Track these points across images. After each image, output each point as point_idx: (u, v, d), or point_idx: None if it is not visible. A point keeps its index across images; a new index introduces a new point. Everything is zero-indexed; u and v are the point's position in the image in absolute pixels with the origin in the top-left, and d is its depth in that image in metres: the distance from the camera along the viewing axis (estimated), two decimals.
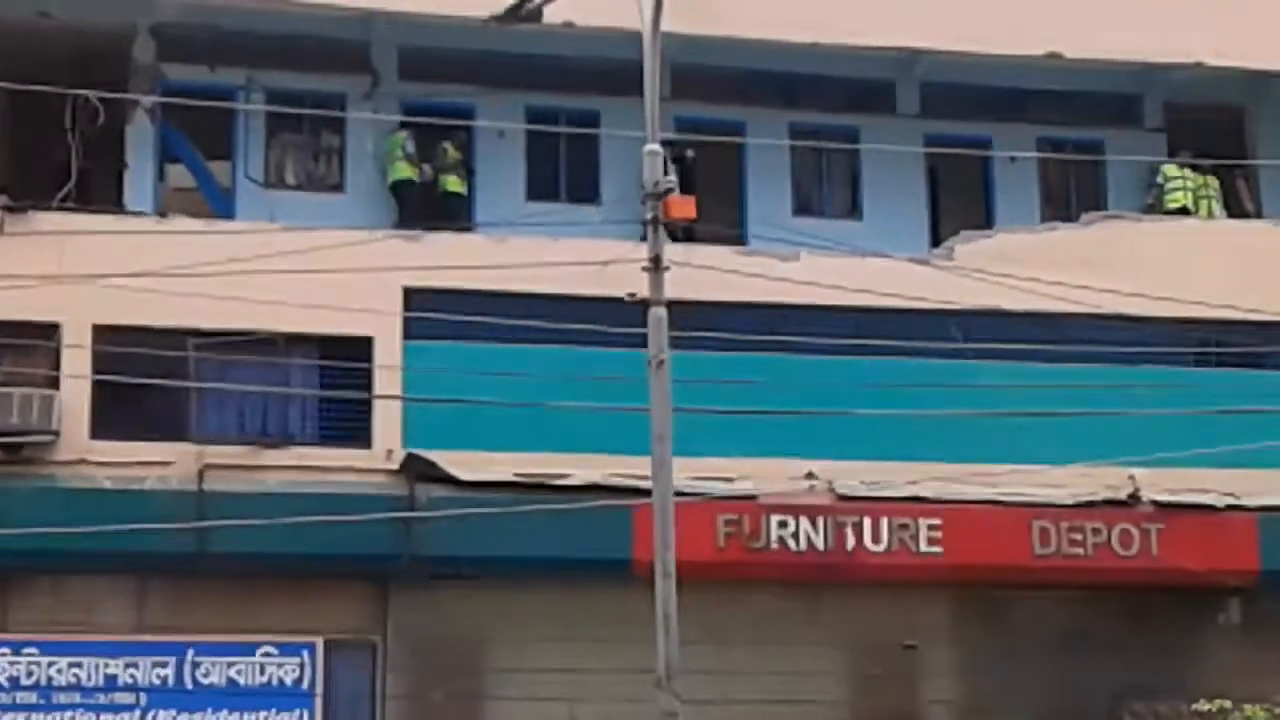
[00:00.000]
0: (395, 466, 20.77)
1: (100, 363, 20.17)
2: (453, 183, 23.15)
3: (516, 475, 20.58)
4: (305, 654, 20.51)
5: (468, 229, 22.56)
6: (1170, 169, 24.64)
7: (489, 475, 20.49)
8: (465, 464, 20.59)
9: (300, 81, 22.95)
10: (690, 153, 23.05)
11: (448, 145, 23.09)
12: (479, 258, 21.04)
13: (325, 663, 20.55)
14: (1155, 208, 24.62)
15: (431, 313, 20.73)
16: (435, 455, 20.64)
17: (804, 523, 21.31)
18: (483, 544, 20.09)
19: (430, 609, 20.80)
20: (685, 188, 22.66)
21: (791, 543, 21.26)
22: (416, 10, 22.33)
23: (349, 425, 21.16)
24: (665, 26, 16.56)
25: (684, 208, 22.89)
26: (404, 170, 22.97)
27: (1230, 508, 22.24)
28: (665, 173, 22.92)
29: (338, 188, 23.27)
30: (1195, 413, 21.54)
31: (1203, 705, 19.72)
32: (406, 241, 21.48)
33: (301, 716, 20.37)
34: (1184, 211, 24.41)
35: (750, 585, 21.25)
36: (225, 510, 19.66)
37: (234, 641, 20.36)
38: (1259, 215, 25.07)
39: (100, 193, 22.63)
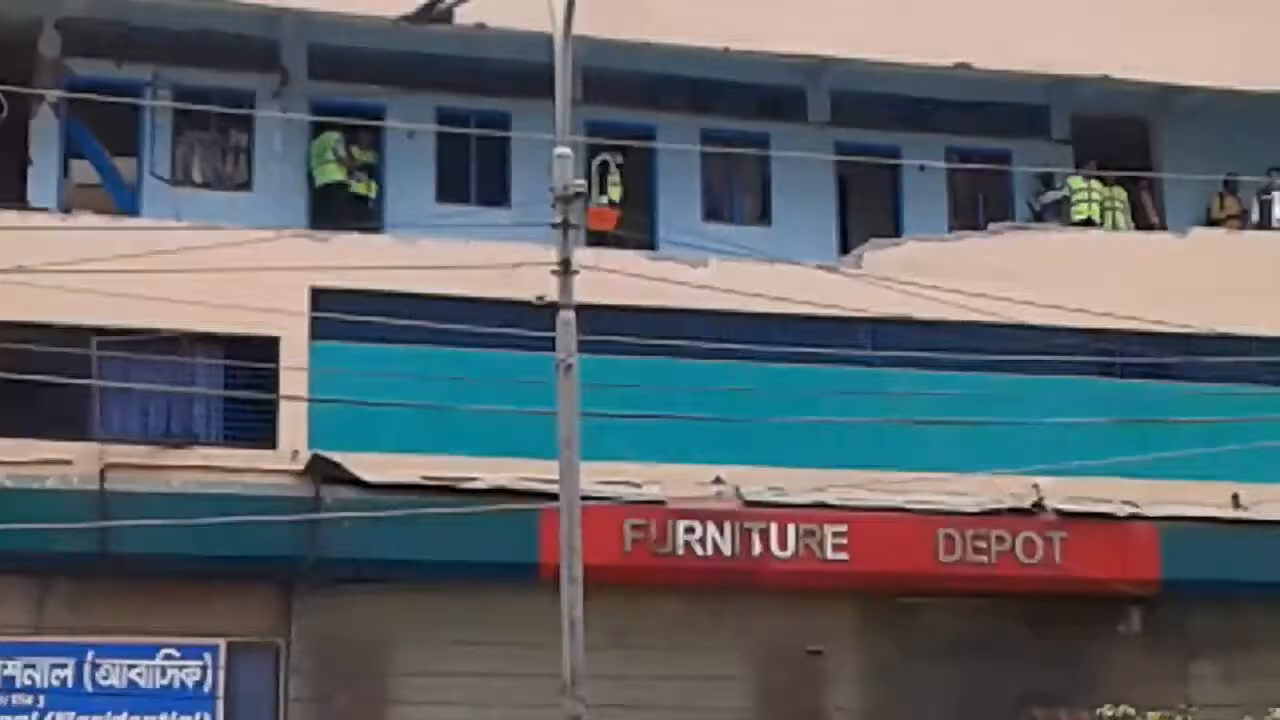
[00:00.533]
0: (300, 468, 20.60)
1: (1, 360, 19.88)
2: (360, 186, 23.03)
3: (423, 478, 20.45)
4: (207, 656, 20.32)
5: (377, 230, 22.42)
6: (1076, 180, 24.87)
7: (395, 477, 20.36)
8: (371, 466, 20.46)
9: (208, 78, 22.75)
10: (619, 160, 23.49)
11: (354, 148, 22.97)
12: (387, 259, 20.91)
13: (227, 665, 20.36)
14: (1042, 216, 24.83)
15: (339, 313, 20.58)
16: (341, 457, 20.49)
17: (711, 528, 21.31)
18: (388, 547, 19.96)
19: (335, 612, 20.65)
20: (604, 193, 22.90)
21: (698, 548, 21.27)
22: (326, 9, 22.20)
23: (254, 426, 20.97)
24: (577, 30, 16.51)
25: (603, 219, 23.13)
26: (334, 172, 22.89)
27: (1132, 517, 22.44)
28: (606, 178, 23.18)
29: (245, 186, 23.11)
30: (1099, 422, 21.73)
31: (1105, 712, 19.88)
32: (314, 241, 21.31)
33: (203, 719, 20.18)
34: (1089, 223, 24.62)
35: (657, 590, 21.21)
36: (127, 510, 19.40)
37: (135, 643, 20.13)
38: (1164, 228, 25.30)
39: (3, 188, 22.32)
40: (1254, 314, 23.31)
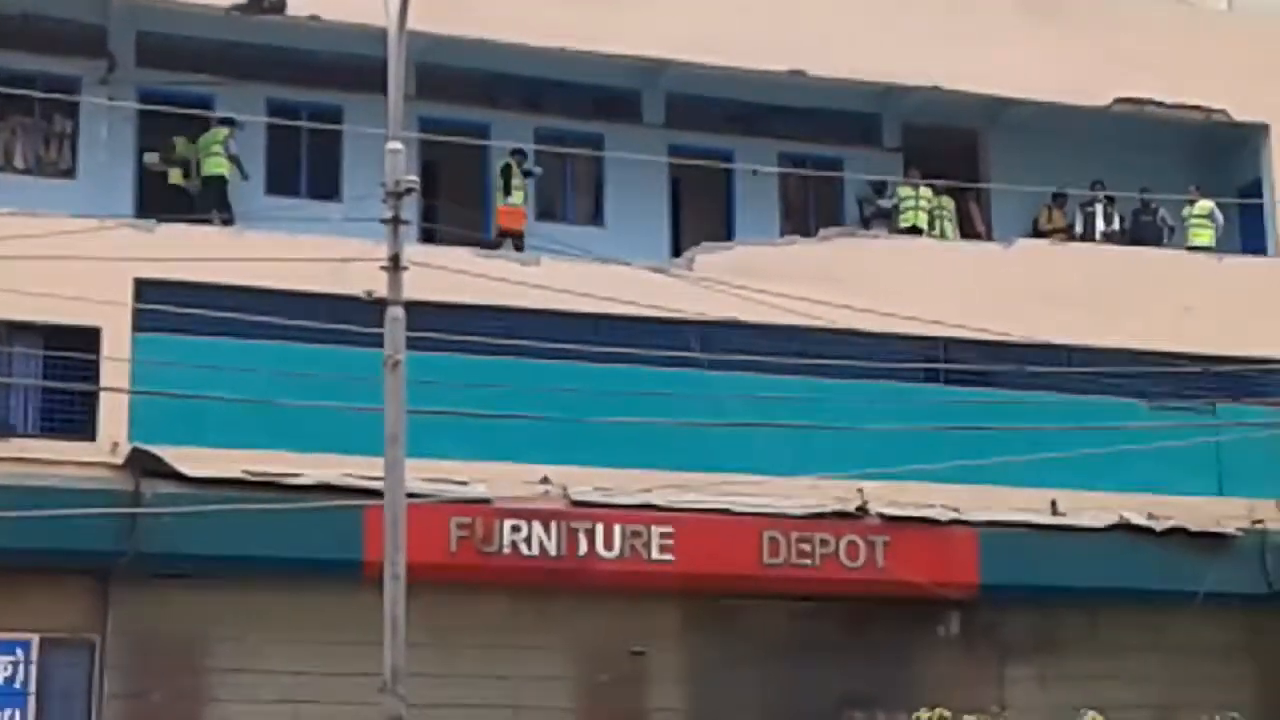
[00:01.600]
0: (120, 461, 20.28)
1: None
2: (176, 175, 22.73)
3: (246, 473, 20.22)
4: (20, 651, 19.95)
5: (206, 221, 22.13)
6: (904, 189, 25.15)
7: (217, 472, 20.11)
8: (193, 460, 20.18)
9: (33, 63, 22.32)
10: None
11: (178, 140, 22.65)
12: (214, 251, 20.67)
13: (40, 661, 20.01)
14: (870, 223, 25.10)
15: (163, 305, 20.28)
16: (162, 450, 20.19)
17: (537, 527, 21.28)
18: (209, 542, 19.73)
19: (152, 607, 20.34)
20: (429, 191, 22.75)
21: (524, 547, 21.23)
22: None
23: (73, 418, 20.62)
24: (411, 25, 16.39)
25: (514, 218, 23.11)
26: (219, 165, 22.74)
27: (953, 522, 22.73)
28: (510, 181, 22.94)
29: (69, 173, 22.67)
30: (922, 428, 21.98)
31: (921, 714, 20.15)
32: (139, 231, 20.99)
33: (14, 716, 19.77)
34: (916, 230, 24.91)
35: (482, 589, 21.15)
36: None
37: None
38: (989, 237, 25.67)
39: None
40: (1075, 324, 23.75)
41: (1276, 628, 24.27)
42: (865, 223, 25.19)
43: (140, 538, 19.76)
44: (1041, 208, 26.01)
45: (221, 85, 22.90)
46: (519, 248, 23.02)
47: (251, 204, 22.68)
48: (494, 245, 23.07)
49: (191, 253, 20.51)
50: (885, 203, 25.24)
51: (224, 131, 22.72)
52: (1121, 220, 26.03)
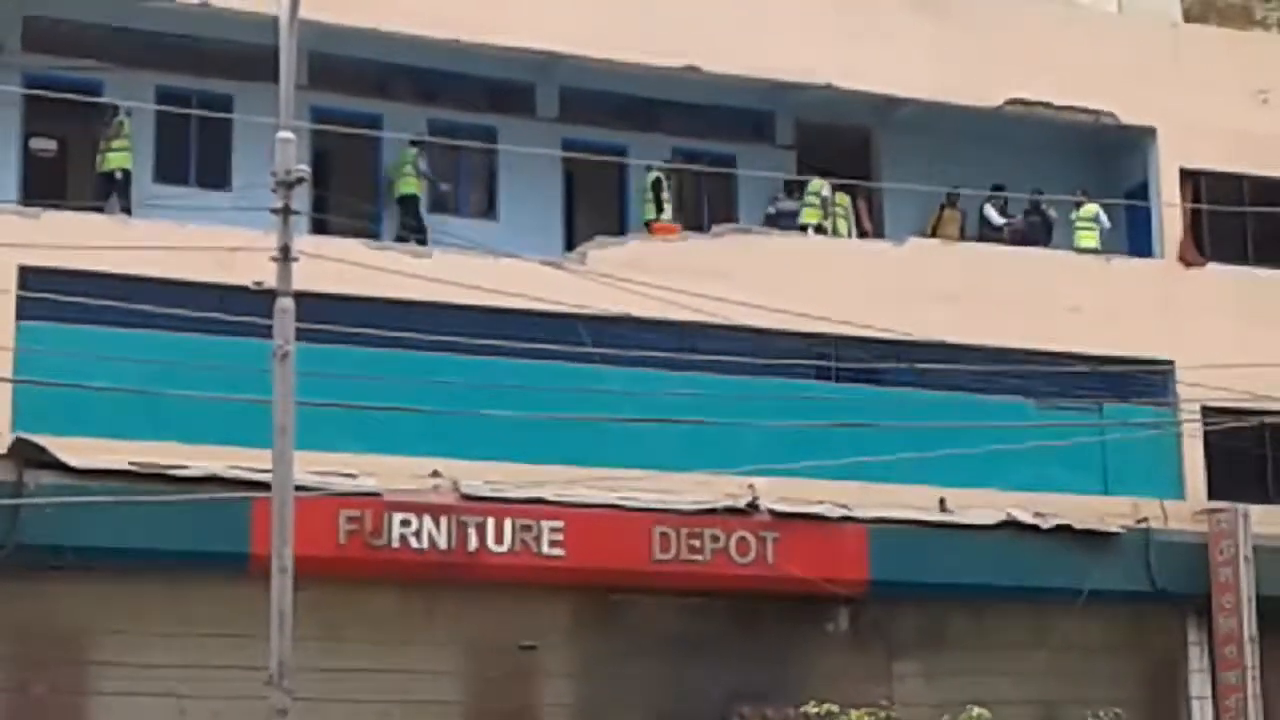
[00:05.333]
0: (2, 451, 19.96)
1: None
2: (119, 159, 22.42)
3: (131, 464, 19.96)
4: None
5: (99, 209, 21.84)
6: (812, 185, 25.14)
7: (102, 463, 19.83)
8: (78, 450, 19.89)
9: None
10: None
11: (124, 119, 22.31)
12: (101, 238, 20.39)
13: None
14: (777, 222, 25.14)
15: (48, 293, 19.99)
16: (46, 440, 19.88)
17: (427, 521, 21.16)
18: (93, 534, 19.47)
19: (35, 599, 20.03)
20: (320, 182, 22.60)
21: (414, 541, 21.10)
22: None
23: None
24: (303, 14, 16.27)
25: (668, 231, 23.23)
26: (412, 185, 23.45)
27: (843, 519, 22.83)
28: (660, 195, 24.05)
29: None
30: (812, 425, 22.05)
31: (810, 709, 20.22)
32: (24, 218, 20.69)
33: None
34: (820, 229, 24.94)
35: (371, 583, 21.03)
36: None
37: None
38: (879, 235, 25.78)
39: None
40: (965, 323, 23.92)
41: (1160, 625, 24.61)
42: (772, 222, 25.18)
43: (22, 529, 19.46)
44: (935, 207, 26.11)
45: (110, 71, 22.59)
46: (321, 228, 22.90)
47: (139, 192, 22.41)
48: None
49: (77, 240, 20.20)
50: (791, 204, 25.26)
51: (412, 151, 23.47)
52: (1012, 219, 26.24)
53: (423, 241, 22.97)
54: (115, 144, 22.33)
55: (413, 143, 23.60)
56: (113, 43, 22.62)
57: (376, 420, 20.35)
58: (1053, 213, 26.30)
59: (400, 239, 23.14)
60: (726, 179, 25.42)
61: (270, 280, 15.93)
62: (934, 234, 25.87)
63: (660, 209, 24.41)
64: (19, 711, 19.92)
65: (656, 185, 24.50)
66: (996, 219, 26.14)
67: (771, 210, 25.35)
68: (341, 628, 20.62)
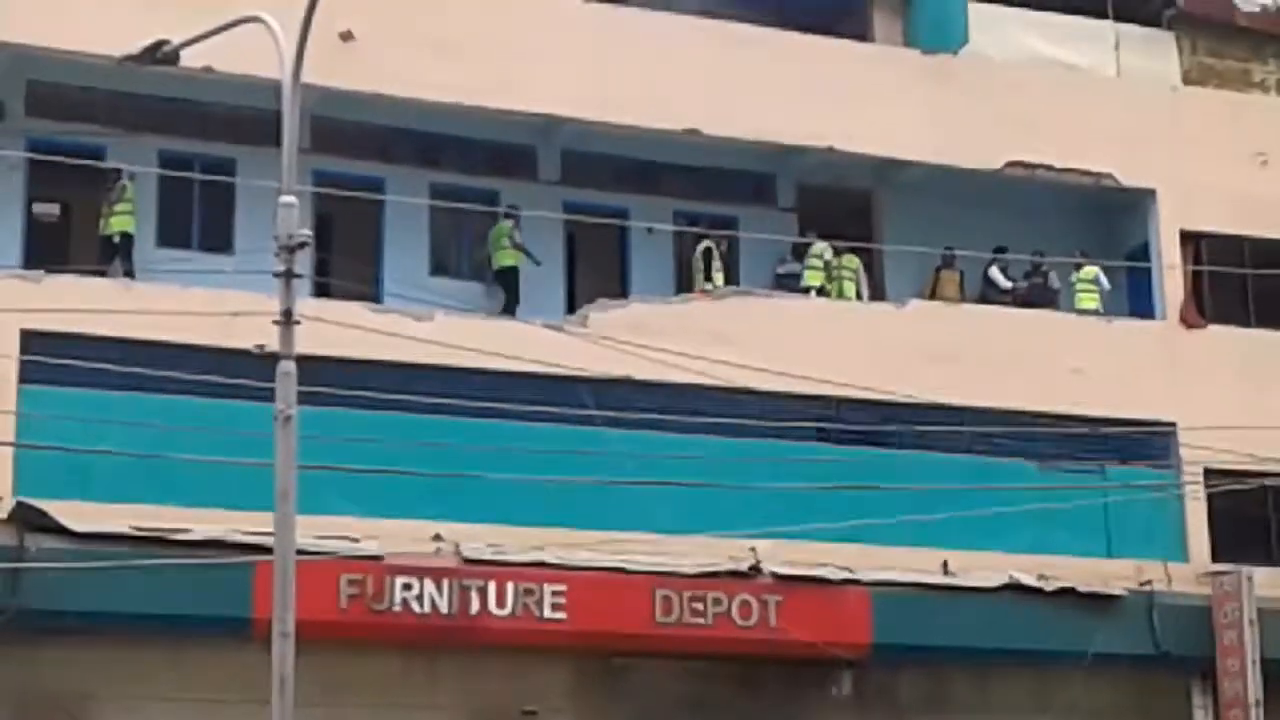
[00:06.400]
0: (4, 515, 19.92)
1: None
2: (122, 222, 22.49)
3: (133, 528, 19.93)
4: None
5: (101, 273, 21.88)
6: (815, 248, 25.16)
7: (104, 527, 19.80)
8: (79, 514, 19.85)
9: None
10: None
11: (127, 183, 22.39)
12: (104, 302, 20.39)
13: None
14: (783, 285, 25.15)
15: (51, 357, 19.99)
16: (48, 505, 19.84)
17: (428, 585, 21.10)
18: (94, 598, 19.41)
19: (35, 665, 19.95)
20: (323, 245, 22.65)
21: (415, 605, 21.03)
22: (47, 45, 21.62)
23: None
24: (306, 78, 16.29)
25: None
26: (509, 258, 23.72)
27: (845, 581, 22.76)
28: (710, 265, 24.05)
29: None
30: (815, 488, 22.01)
31: None
32: (27, 282, 20.71)
33: None
34: (821, 292, 24.97)
35: (372, 647, 20.95)
36: None
37: None
38: (879, 297, 25.78)
39: None
40: (967, 385, 23.91)
41: (1165, 689, 24.49)
42: (779, 285, 25.20)
43: (24, 593, 19.41)
44: (934, 269, 26.12)
45: (113, 135, 22.67)
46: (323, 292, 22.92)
47: (142, 256, 22.44)
48: None
49: (80, 304, 20.21)
50: (795, 267, 25.30)
51: (508, 224, 23.66)
52: (1015, 282, 26.27)
53: (512, 314, 23.17)
54: (118, 208, 22.42)
55: (507, 215, 23.77)
56: (116, 107, 22.70)
57: (378, 483, 20.31)
58: (1055, 281, 26.31)
59: (506, 312, 23.38)
60: (729, 242, 25.45)
61: (272, 344, 15.90)
62: (932, 296, 25.84)
63: (709, 278, 24.43)
64: None
65: (708, 254, 24.57)
66: (1003, 282, 26.18)
67: (781, 271, 25.41)
68: (343, 692, 20.52)
